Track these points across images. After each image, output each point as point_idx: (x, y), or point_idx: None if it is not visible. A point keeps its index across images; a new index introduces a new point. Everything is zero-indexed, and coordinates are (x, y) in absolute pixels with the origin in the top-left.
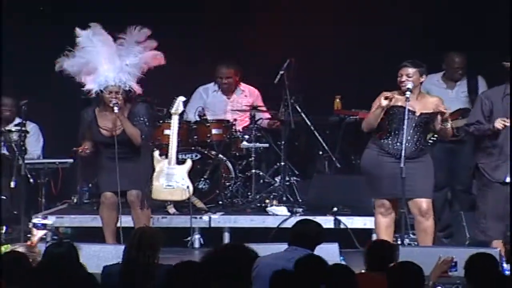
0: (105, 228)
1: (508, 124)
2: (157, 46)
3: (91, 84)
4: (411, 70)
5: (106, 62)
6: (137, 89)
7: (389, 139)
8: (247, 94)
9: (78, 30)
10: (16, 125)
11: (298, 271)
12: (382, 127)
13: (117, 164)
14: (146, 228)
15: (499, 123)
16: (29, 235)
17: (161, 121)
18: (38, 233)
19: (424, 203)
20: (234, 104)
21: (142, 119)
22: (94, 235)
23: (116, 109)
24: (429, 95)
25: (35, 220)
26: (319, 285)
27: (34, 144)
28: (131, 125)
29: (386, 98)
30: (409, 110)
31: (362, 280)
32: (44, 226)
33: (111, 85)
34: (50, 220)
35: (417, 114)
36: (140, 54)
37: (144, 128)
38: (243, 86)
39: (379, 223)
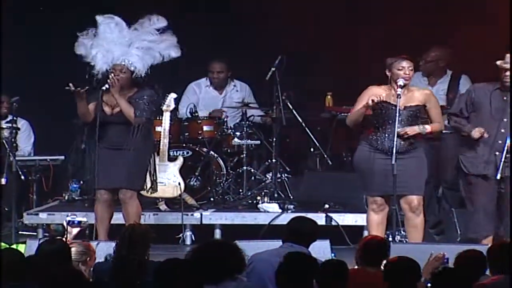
0: (98, 224)
1: (486, 136)
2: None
3: (100, 64)
4: (410, 63)
5: (116, 43)
6: (141, 71)
7: (378, 135)
8: (239, 89)
9: (97, 17)
10: (7, 122)
11: (286, 267)
12: (371, 124)
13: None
14: (136, 225)
15: (476, 133)
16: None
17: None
18: (73, 231)
19: (415, 199)
20: (226, 99)
21: (143, 100)
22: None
23: (105, 86)
24: (416, 88)
25: (69, 218)
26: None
27: (25, 140)
28: (124, 101)
29: (373, 101)
30: (395, 106)
31: (358, 275)
32: (79, 224)
33: (116, 63)
34: (85, 218)
35: (403, 108)
36: (153, 42)
37: (140, 106)
38: (234, 81)
39: (371, 220)
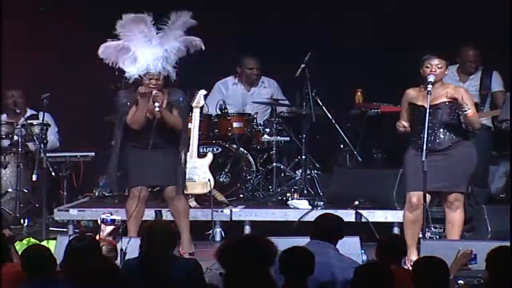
0: (131, 221)
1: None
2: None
3: (131, 70)
4: (439, 61)
5: (145, 47)
6: (173, 74)
7: (418, 135)
8: (267, 85)
9: (124, 17)
10: (28, 118)
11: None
12: (411, 126)
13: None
14: (156, 222)
15: None
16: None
17: None
18: (106, 229)
19: (451, 195)
20: (254, 96)
21: (182, 104)
22: None
23: (157, 110)
24: (452, 85)
25: (103, 216)
26: None
27: (50, 132)
28: (171, 115)
29: (404, 126)
30: (432, 104)
31: None
32: (113, 222)
33: (152, 71)
34: (119, 216)
35: (439, 104)
36: (179, 38)
37: (183, 113)
38: (262, 77)
39: (404, 218)
